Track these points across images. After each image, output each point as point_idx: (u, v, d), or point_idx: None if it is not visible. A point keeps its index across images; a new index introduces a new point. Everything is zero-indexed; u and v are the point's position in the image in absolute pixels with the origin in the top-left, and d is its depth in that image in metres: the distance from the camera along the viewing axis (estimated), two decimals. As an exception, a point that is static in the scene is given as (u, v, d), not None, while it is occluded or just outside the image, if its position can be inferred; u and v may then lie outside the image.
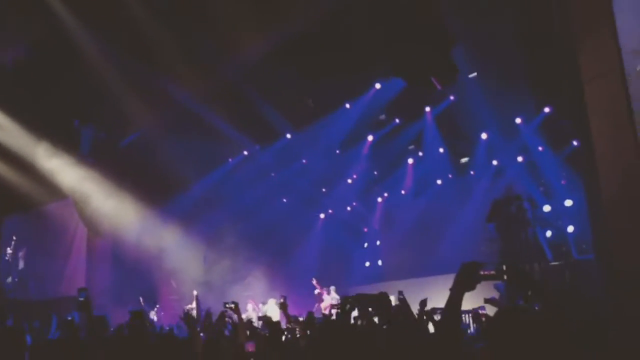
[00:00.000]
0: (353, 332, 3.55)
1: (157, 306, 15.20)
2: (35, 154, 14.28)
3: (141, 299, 15.86)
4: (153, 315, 14.85)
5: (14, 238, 18.07)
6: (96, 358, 4.22)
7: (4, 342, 4.96)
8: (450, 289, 2.46)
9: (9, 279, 17.93)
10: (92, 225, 16.02)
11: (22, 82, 12.49)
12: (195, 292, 14.00)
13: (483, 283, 2.52)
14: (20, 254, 17.95)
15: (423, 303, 6.14)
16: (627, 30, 7.55)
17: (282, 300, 6.94)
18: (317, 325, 6.11)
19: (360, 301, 4.17)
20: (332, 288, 14.28)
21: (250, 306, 14.27)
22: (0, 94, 12.76)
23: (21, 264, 17.84)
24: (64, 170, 14.74)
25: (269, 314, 11.83)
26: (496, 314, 2.35)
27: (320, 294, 14.27)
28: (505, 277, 2.62)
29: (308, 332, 5.89)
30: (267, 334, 5.57)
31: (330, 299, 13.72)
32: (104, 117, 13.88)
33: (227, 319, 6.31)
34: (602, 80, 7.62)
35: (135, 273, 16.02)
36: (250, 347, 4.96)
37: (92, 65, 11.89)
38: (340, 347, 3.16)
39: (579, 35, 8.14)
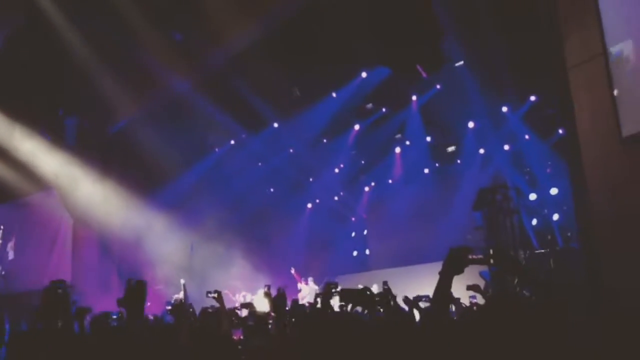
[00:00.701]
0: (337, 320, 3.53)
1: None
2: (18, 144, 14.11)
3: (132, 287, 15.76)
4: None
5: (1, 228, 17.91)
6: (73, 349, 4.17)
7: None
8: (439, 273, 2.49)
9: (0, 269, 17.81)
10: (77, 215, 15.88)
11: (3, 71, 12.31)
12: (182, 281, 13.95)
13: (467, 272, 2.55)
14: (10, 244, 17.81)
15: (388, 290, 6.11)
16: (610, 18, 7.56)
17: (265, 290, 6.91)
18: (302, 312, 6.08)
19: (344, 296, 4.17)
20: (310, 279, 14.27)
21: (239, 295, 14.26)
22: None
23: (11, 255, 17.70)
24: (48, 160, 14.59)
25: (259, 304, 11.83)
26: (489, 299, 2.37)
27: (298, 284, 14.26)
28: (492, 261, 2.64)
29: (292, 319, 5.87)
30: (253, 324, 5.54)
31: (308, 289, 13.70)
32: (88, 105, 13.71)
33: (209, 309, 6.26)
34: (586, 67, 7.64)
35: (122, 262, 15.93)
36: (237, 335, 4.93)
37: (75, 53, 11.75)
38: (324, 334, 3.14)
39: (564, 22, 8.15)
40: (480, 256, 2.57)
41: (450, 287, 2.48)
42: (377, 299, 4.23)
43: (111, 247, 15.94)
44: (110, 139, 15.23)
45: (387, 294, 4.63)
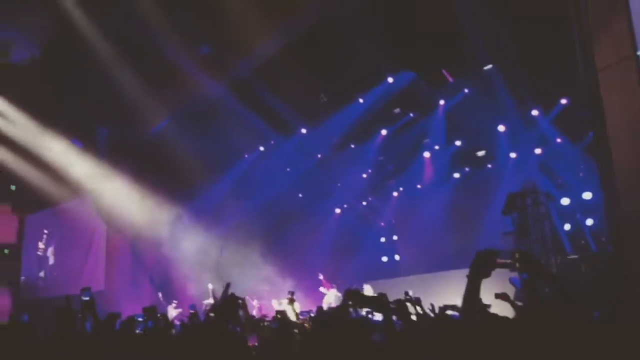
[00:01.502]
0: (350, 326, 3.53)
1: (175, 301, 15.34)
2: (52, 152, 14.51)
3: (160, 295, 16.05)
4: (171, 310, 14.99)
5: (45, 232, 18.39)
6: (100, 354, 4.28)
7: (15, 338, 5.04)
8: (467, 277, 2.46)
9: (42, 273, 18.32)
10: (111, 222, 16.24)
11: (39, 81, 12.71)
12: (210, 286, 14.10)
13: (496, 278, 2.52)
14: (50, 249, 18.30)
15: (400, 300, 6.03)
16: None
17: (289, 296, 6.95)
18: (319, 318, 6.09)
19: (358, 300, 4.17)
20: (334, 286, 14.22)
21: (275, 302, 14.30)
22: (18, 92, 13.00)
23: (51, 260, 18.18)
24: (81, 167, 14.96)
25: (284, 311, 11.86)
26: (521, 310, 2.35)
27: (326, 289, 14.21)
28: (517, 265, 2.61)
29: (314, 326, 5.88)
30: (276, 328, 5.57)
31: (333, 295, 13.66)
32: (119, 113, 14.03)
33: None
34: (616, 69, 7.47)
35: (153, 267, 16.22)
36: (252, 340, 4.96)
37: (106, 63, 12.05)
38: (336, 340, 3.14)
39: (594, 24, 8.00)
40: (507, 260, 2.55)
41: (479, 290, 2.46)
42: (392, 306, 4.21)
43: (143, 253, 16.23)
44: (142, 146, 15.53)
45: (404, 302, 4.59)
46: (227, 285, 5.76)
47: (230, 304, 4.91)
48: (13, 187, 16.08)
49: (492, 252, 2.44)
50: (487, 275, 2.42)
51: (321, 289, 14.09)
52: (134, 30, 11.37)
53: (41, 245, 18.49)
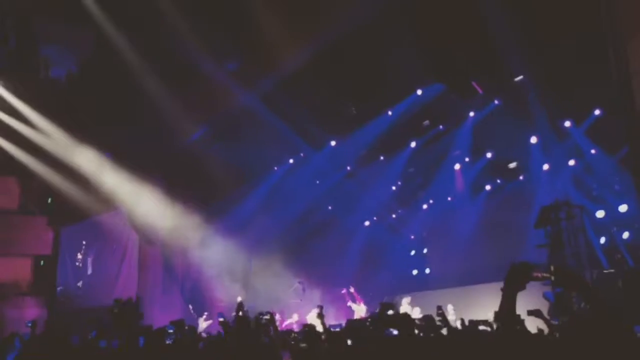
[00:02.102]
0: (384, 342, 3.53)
1: (206, 313, 15.45)
2: (87, 165, 14.85)
3: (190, 307, 16.19)
4: (202, 323, 15.09)
5: (84, 243, 18.79)
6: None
7: (51, 349, 5.17)
8: (502, 289, 2.45)
9: (79, 284, 18.68)
10: (143, 234, 16.49)
11: (73, 97, 13.07)
12: (239, 299, 14.17)
13: (531, 294, 2.46)
14: (89, 260, 18.64)
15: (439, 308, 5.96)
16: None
17: (318, 311, 6.93)
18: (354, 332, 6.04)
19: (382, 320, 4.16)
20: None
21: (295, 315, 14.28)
22: (54, 107, 13.38)
23: (89, 270, 18.52)
24: (116, 180, 15.26)
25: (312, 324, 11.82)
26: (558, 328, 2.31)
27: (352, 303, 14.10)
28: (553, 278, 2.55)
29: (348, 341, 5.85)
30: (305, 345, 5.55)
31: (361, 309, 13.56)
32: (151, 125, 14.29)
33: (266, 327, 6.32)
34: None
35: (185, 279, 16.38)
36: (285, 357, 4.96)
37: (141, 77, 12.34)
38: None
39: (625, 29, 7.86)
40: (542, 273, 2.50)
41: (514, 303, 2.41)
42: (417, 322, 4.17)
43: (174, 263, 16.42)
44: (173, 158, 15.77)
45: (430, 318, 4.54)
46: (239, 305, 5.78)
47: (241, 323, 4.95)
48: (49, 200, 16.49)
49: (527, 265, 2.40)
50: (523, 288, 2.38)
51: (350, 303, 13.99)
52: (167, 45, 11.61)
53: (79, 256, 18.87)
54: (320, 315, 7.08)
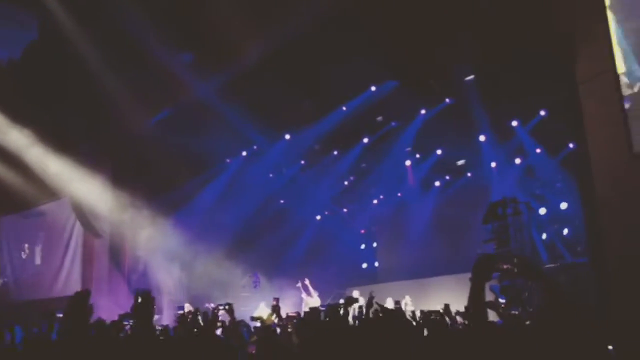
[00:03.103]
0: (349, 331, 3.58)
1: (154, 307, 15.13)
2: (30, 154, 14.29)
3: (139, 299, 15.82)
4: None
5: (21, 235, 18.07)
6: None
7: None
8: (470, 280, 2.49)
9: (15, 277, 17.95)
10: (88, 226, 16.01)
11: (16, 81, 12.53)
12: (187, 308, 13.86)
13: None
14: (26, 252, 17.93)
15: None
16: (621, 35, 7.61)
17: (274, 303, 6.92)
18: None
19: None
20: (316, 293, 14.23)
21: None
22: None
23: (38, 260, 17.82)
24: (61, 170, 14.74)
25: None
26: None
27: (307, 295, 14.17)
28: (516, 270, 2.63)
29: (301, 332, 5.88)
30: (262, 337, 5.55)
31: (313, 301, 13.66)
32: (98, 115, 13.88)
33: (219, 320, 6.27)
34: (596, 82, 7.68)
35: (131, 272, 16.03)
36: (252, 349, 4.95)
37: (87, 63, 11.94)
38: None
39: (575, 38, 8.21)
40: (507, 264, 2.57)
41: (483, 293, 2.47)
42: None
43: (121, 257, 16.02)
44: (121, 148, 15.37)
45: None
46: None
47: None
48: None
49: (493, 257, 2.49)
50: (489, 279, 2.45)
51: (304, 295, 14.05)
52: (118, 34, 11.28)
53: (16, 248, 18.15)
54: (276, 308, 7.07)
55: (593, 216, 8.27)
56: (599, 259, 8.19)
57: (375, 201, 18.70)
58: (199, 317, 7.41)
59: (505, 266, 2.56)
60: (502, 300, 8.80)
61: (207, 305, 12.68)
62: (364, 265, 19.45)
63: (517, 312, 5.54)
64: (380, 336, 3.42)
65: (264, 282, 16.43)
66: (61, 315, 6.00)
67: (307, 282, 14.14)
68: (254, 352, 4.71)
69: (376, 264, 19.23)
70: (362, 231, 19.67)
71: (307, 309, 12.63)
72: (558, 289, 2.41)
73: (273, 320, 5.54)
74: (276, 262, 17.35)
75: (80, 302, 4.82)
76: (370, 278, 18.20)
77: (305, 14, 10.95)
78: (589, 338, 2.15)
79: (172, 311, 15.54)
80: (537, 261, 12.58)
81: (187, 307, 13.35)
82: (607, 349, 2.47)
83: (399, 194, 17.88)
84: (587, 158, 7.94)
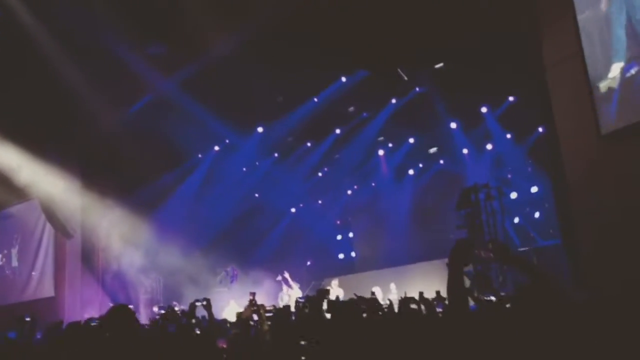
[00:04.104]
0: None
1: (130, 306, 14.91)
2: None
3: (113, 300, 15.63)
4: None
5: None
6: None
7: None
8: (447, 265, 2.48)
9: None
10: (59, 226, 15.68)
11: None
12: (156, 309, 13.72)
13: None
14: (14, 251, 17.52)
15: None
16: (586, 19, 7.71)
17: (251, 298, 6.86)
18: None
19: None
20: (297, 284, 14.23)
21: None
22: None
23: (15, 262, 17.42)
24: (28, 170, 14.39)
25: (229, 314, 11.74)
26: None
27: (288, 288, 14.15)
28: (492, 255, 2.64)
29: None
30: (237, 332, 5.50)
31: (294, 293, 13.66)
32: (67, 114, 13.54)
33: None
34: (563, 66, 7.78)
35: (105, 273, 15.78)
36: (222, 343, 4.90)
37: (51, 60, 11.61)
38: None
39: (542, 22, 8.29)
40: (483, 249, 2.57)
41: (462, 278, 2.46)
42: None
43: (94, 257, 15.74)
44: (91, 147, 15.06)
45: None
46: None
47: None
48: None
49: (469, 242, 2.48)
50: (467, 264, 2.44)
51: (285, 288, 14.02)
52: (81, 26, 10.98)
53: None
54: (253, 303, 7.01)
55: (564, 199, 8.40)
56: (570, 241, 8.33)
57: (349, 192, 18.75)
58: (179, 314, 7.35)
59: (482, 251, 2.56)
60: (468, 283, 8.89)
61: (174, 303, 12.59)
62: (341, 256, 19.51)
63: (490, 298, 5.58)
64: (348, 328, 3.40)
65: (241, 275, 16.34)
66: (29, 319, 5.90)
67: (286, 275, 14.12)
68: (224, 346, 4.66)
69: (353, 254, 19.30)
70: (338, 222, 19.72)
71: (286, 302, 12.63)
72: (536, 269, 2.42)
73: (252, 315, 5.47)
74: (251, 256, 17.27)
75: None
76: (348, 268, 18.26)
77: (276, 5, 10.84)
78: (568, 314, 2.17)
79: (148, 310, 15.40)
80: (510, 245, 12.76)
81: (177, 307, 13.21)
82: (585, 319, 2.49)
83: (373, 184, 17.96)
84: (556, 141, 8.05)
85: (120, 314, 3.41)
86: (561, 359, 2.05)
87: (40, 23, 11.28)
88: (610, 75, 7.38)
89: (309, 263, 18.11)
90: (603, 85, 7.39)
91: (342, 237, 19.80)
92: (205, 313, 5.34)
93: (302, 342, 3.95)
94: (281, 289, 14.31)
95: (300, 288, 13.98)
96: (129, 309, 3.68)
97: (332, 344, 3.15)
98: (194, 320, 5.55)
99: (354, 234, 19.48)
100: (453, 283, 2.40)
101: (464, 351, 2.26)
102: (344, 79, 13.78)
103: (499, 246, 2.64)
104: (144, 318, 14.28)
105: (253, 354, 4.04)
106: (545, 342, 2.07)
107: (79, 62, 11.96)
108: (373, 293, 7.94)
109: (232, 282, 15.94)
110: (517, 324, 2.16)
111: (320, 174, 17.88)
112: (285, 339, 4.14)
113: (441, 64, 13.04)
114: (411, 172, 17.14)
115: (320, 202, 19.13)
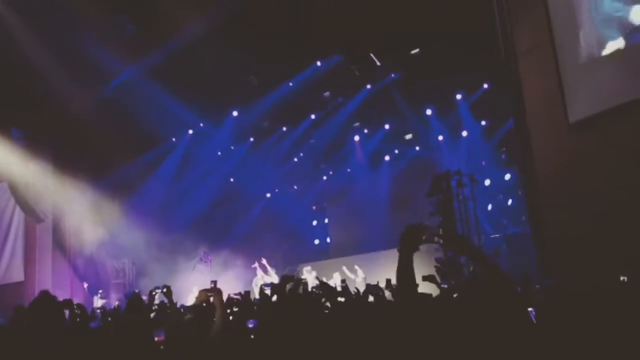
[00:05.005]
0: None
1: (100, 290, 14.80)
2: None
3: (85, 285, 15.46)
4: (97, 301, 14.45)
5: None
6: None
7: None
8: (398, 250, 2.45)
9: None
10: (29, 210, 15.42)
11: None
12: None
13: (426, 260, 2.49)
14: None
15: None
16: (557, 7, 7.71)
17: (212, 285, 6.71)
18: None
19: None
20: (273, 270, 14.21)
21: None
22: None
23: None
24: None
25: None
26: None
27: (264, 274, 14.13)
28: (440, 241, 2.60)
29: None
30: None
31: (270, 280, 13.65)
32: (38, 99, 13.25)
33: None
34: (534, 54, 7.79)
35: (77, 257, 15.59)
36: (160, 335, 4.68)
37: (23, 45, 11.33)
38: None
39: (513, 10, 8.28)
40: (433, 236, 2.53)
41: (411, 263, 2.42)
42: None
43: (65, 241, 15.52)
44: (62, 130, 14.77)
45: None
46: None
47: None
48: None
49: (420, 227, 2.44)
50: (416, 249, 2.41)
51: (261, 275, 13.99)
52: (49, 8, 10.70)
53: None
54: (215, 290, 6.87)
55: (533, 186, 8.46)
56: (538, 228, 8.40)
57: (325, 177, 18.71)
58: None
59: (431, 237, 2.51)
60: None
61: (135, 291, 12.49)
62: (316, 242, 19.52)
63: (447, 286, 5.59)
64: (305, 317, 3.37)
65: (215, 260, 16.25)
66: None
67: (264, 261, 14.09)
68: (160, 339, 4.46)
69: (328, 239, 19.31)
70: (314, 207, 19.69)
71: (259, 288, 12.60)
72: (486, 260, 2.38)
73: (207, 299, 5.32)
74: (226, 241, 17.17)
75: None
76: (323, 254, 18.28)
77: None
78: (509, 304, 2.15)
79: (120, 295, 15.26)
80: (482, 232, 12.84)
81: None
82: (527, 312, 2.49)
83: (349, 170, 17.93)
84: (526, 129, 8.09)
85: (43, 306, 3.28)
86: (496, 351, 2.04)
87: (6, 4, 11.01)
88: (580, 62, 7.40)
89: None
90: (572, 73, 7.41)
91: (318, 223, 19.80)
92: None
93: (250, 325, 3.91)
94: (255, 275, 14.28)
95: (277, 273, 13.95)
96: (54, 298, 3.53)
97: (281, 327, 3.12)
98: (154, 308, 5.44)
99: (329, 220, 19.48)
100: (402, 269, 2.36)
101: (399, 337, 2.25)
102: (319, 64, 13.68)
103: (448, 234, 2.61)
104: (113, 302, 14.16)
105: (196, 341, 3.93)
106: (482, 334, 2.05)
107: (47, 45, 11.69)
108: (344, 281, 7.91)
109: (206, 266, 15.85)
110: (455, 314, 2.14)
111: (295, 160, 17.80)
112: (236, 323, 4.09)
113: (417, 50, 13.01)
114: (387, 158, 17.14)
115: (295, 187, 19.07)
